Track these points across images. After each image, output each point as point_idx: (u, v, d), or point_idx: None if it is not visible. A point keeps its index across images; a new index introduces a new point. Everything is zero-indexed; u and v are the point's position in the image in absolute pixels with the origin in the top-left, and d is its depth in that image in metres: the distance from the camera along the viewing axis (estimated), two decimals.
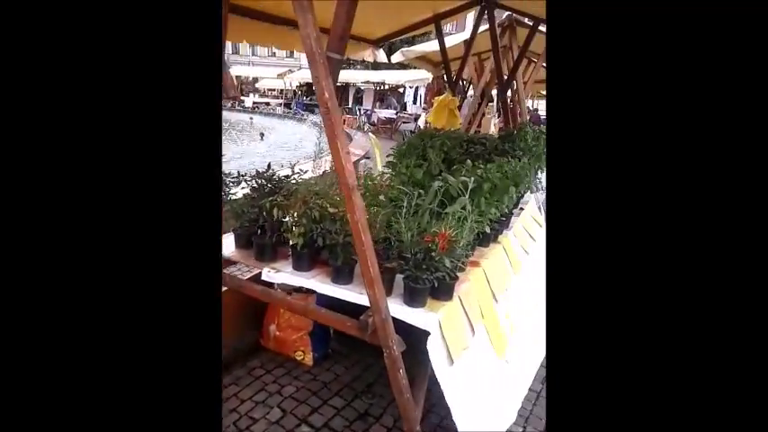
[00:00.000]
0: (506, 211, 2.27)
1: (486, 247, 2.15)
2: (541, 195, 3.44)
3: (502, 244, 2.26)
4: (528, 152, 2.39)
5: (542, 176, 3.04)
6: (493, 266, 2.01)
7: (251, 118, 16.24)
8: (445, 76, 3.62)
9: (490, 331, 1.74)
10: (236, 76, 26.78)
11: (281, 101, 25.35)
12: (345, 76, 21.82)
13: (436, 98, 3.76)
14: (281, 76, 24.58)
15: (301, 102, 23.61)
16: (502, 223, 2.32)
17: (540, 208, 3.62)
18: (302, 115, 17.26)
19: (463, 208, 1.70)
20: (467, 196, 1.71)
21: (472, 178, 1.72)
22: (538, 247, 2.75)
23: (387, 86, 19.02)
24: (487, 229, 2.06)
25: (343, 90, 22.34)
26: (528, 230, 2.75)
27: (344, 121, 18.16)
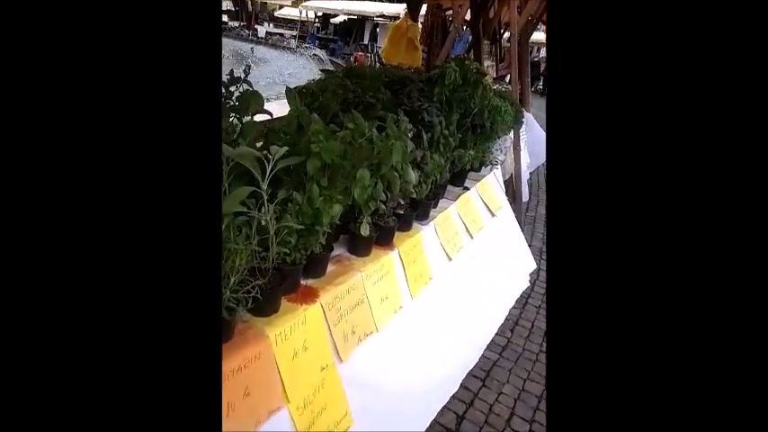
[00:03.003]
0: (400, 200, 1.44)
1: (365, 255, 1.36)
2: (509, 166, 2.55)
3: (398, 249, 1.46)
4: (453, 106, 1.50)
5: (500, 145, 2.14)
6: (353, 296, 1.23)
7: (252, 48, 14.94)
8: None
9: (300, 420, 1.00)
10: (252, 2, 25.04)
11: (295, 32, 23.64)
12: (362, 7, 19.94)
13: (391, 24, 2.77)
14: (295, 3, 22.76)
15: (314, 35, 21.95)
16: (403, 217, 1.50)
17: (505, 185, 2.75)
18: (308, 48, 15.86)
19: (258, 199, 0.90)
20: (264, 182, 0.89)
21: (282, 150, 0.90)
22: (476, 246, 1.93)
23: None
24: (364, 231, 1.27)
25: (358, 25, 20.52)
26: (465, 221, 1.92)
27: (355, 58, 16.74)
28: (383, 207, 1.31)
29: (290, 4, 23.28)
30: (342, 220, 1.33)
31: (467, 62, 1.51)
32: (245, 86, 1.17)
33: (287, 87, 1.30)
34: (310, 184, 0.97)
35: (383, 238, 1.43)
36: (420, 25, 3.91)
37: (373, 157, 0.98)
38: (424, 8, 4.86)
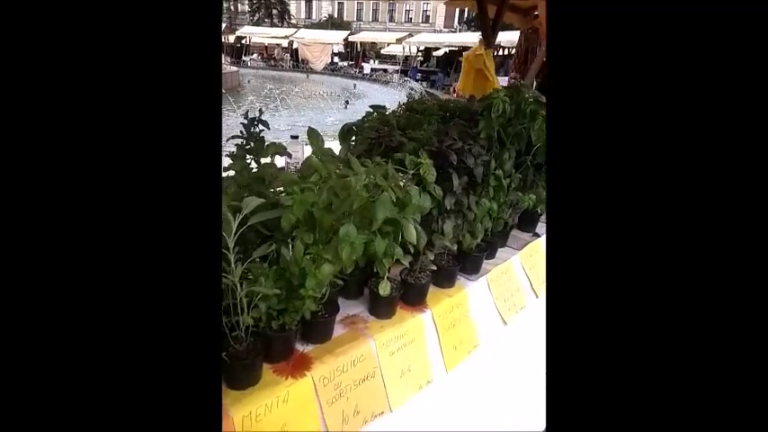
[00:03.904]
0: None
1: (386, 318, 1.16)
2: None
3: (431, 310, 1.23)
4: (506, 142, 1.23)
5: None
6: (361, 368, 1.03)
7: (354, 85, 15.93)
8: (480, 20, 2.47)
9: None
10: (360, 43, 26.96)
11: (398, 67, 24.74)
12: (462, 39, 20.04)
13: (465, 54, 2.63)
14: (399, 40, 23.92)
15: (415, 68, 22.66)
16: (443, 271, 1.27)
17: None
18: (406, 82, 16.38)
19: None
20: (231, 239, 0.77)
21: (254, 202, 0.77)
22: (542, 307, 1.59)
23: (504, 52, 16.86)
24: (383, 291, 1.10)
25: (458, 56, 20.66)
26: (531, 276, 1.60)
27: (453, 89, 16.79)
28: (406, 263, 1.11)
29: (394, 41, 24.53)
30: (362, 273, 1.17)
31: (522, 90, 1.26)
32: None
33: (309, 127, 1.20)
34: (295, 241, 0.82)
35: (413, 298, 1.22)
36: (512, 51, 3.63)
37: (356, 210, 0.80)
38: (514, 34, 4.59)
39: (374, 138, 1.14)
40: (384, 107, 1.68)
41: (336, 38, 24.32)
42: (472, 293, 1.38)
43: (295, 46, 23.51)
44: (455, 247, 1.28)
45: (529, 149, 1.34)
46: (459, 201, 1.12)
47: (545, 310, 0.60)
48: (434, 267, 1.21)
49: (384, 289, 1.09)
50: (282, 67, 23.66)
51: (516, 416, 1.38)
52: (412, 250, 1.09)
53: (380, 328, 1.12)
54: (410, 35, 23.99)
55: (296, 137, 1.89)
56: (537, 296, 1.59)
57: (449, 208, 1.07)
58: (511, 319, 1.45)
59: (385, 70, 24.73)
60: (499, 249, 1.60)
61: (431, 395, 1.16)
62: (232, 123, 1.60)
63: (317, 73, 21.36)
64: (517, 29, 5.54)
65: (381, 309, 1.15)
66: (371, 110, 1.62)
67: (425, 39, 23.95)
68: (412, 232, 0.87)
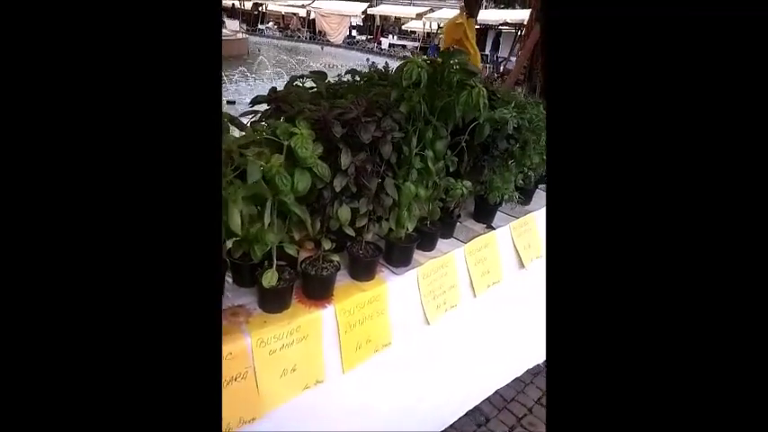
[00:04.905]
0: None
1: (277, 312, 1.03)
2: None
3: (334, 306, 1.09)
4: (431, 118, 1.04)
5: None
6: (229, 367, 0.90)
7: (368, 59, 15.50)
8: None
9: None
10: (380, 16, 26.21)
11: (417, 44, 24.07)
12: (483, 16, 19.29)
13: (445, 23, 2.42)
14: (419, 16, 23.19)
15: (435, 45, 22.00)
16: (359, 263, 1.12)
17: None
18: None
19: None
20: None
21: None
22: (477, 308, 1.44)
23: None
24: (266, 282, 0.97)
25: (480, 34, 19.91)
26: (473, 273, 1.44)
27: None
28: (292, 251, 0.97)
29: (414, 17, 23.80)
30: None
31: (457, 57, 1.05)
32: None
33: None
34: None
35: (314, 291, 1.08)
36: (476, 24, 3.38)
37: None
38: None
39: (270, 103, 0.98)
40: (325, 73, 1.51)
41: (355, 10, 23.67)
42: (395, 288, 1.23)
43: (312, 16, 22.98)
44: (369, 237, 1.13)
45: (465, 128, 1.17)
46: (362, 183, 0.96)
47: (545, 310, 0.58)
48: (335, 258, 1.07)
49: (268, 280, 0.96)
50: (299, 37, 23.18)
51: (410, 419, 1.25)
52: (297, 237, 0.95)
53: (263, 323, 0.99)
54: (431, 10, 23.20)
55: (232, 102, 1.74)
56: (475, 295, 1.44)
57: (338, 190, 0.91)
58: (436, 319, 1.31)
59: (404, 46, 24.01)
60: (441, 241, 1.45)
61: (318, 396, 1.04)
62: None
63: (332, 46, 20.90)
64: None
65: (269, 302, 1.02)
66: (310, 76, 1.46)
67: (447, 15, 23.13)
68: (234, 217, 0.72)
